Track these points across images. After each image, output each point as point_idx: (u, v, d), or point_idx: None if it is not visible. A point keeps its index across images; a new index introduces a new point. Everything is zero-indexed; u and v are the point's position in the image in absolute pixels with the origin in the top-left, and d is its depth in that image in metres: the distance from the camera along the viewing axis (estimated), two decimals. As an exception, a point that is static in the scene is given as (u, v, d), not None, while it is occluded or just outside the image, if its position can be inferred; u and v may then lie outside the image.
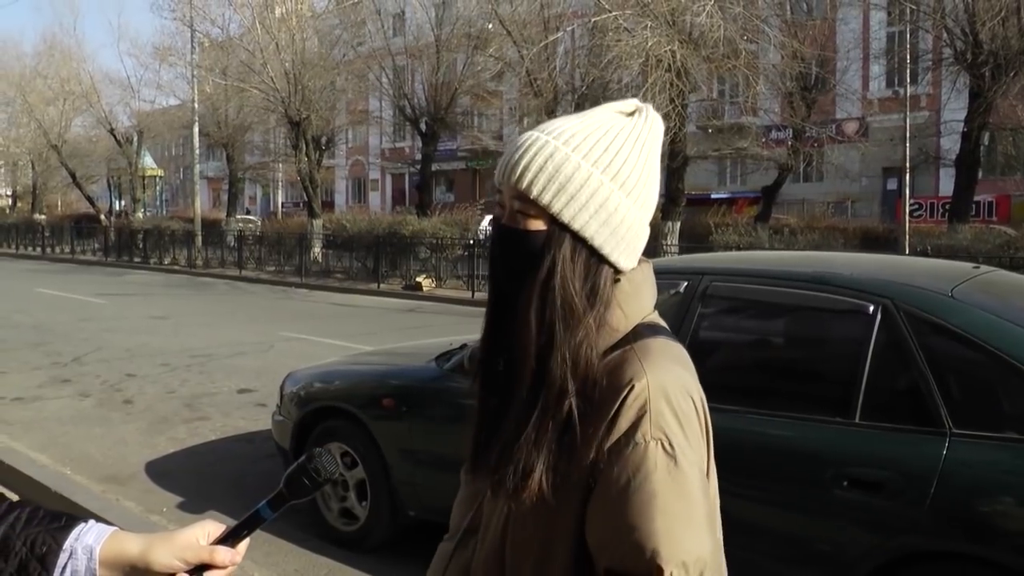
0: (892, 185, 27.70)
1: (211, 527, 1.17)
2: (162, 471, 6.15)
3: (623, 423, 1.18)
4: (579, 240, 1.23)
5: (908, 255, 13.76)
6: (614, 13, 15.50)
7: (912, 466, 3.03)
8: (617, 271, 1.26)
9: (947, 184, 22.22)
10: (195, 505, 5.45)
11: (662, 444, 1.17)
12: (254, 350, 11.28)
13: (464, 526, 1.45)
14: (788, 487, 3.31)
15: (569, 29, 19.93)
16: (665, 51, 14.71)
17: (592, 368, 1.21)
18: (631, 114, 1.29)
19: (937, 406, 3.04)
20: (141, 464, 6.32)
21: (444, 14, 26.65)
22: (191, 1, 27.32)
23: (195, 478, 6.00)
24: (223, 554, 1.14)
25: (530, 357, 1.22)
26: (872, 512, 3.07)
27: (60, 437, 7.05)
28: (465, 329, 9.01)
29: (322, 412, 5.02)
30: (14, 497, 5.12)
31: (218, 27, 28.72)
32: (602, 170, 1.23)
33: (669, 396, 1.19)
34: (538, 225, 1.23)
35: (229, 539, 1.16)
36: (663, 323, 1.33)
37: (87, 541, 1.11)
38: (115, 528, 1.14)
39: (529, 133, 1.28)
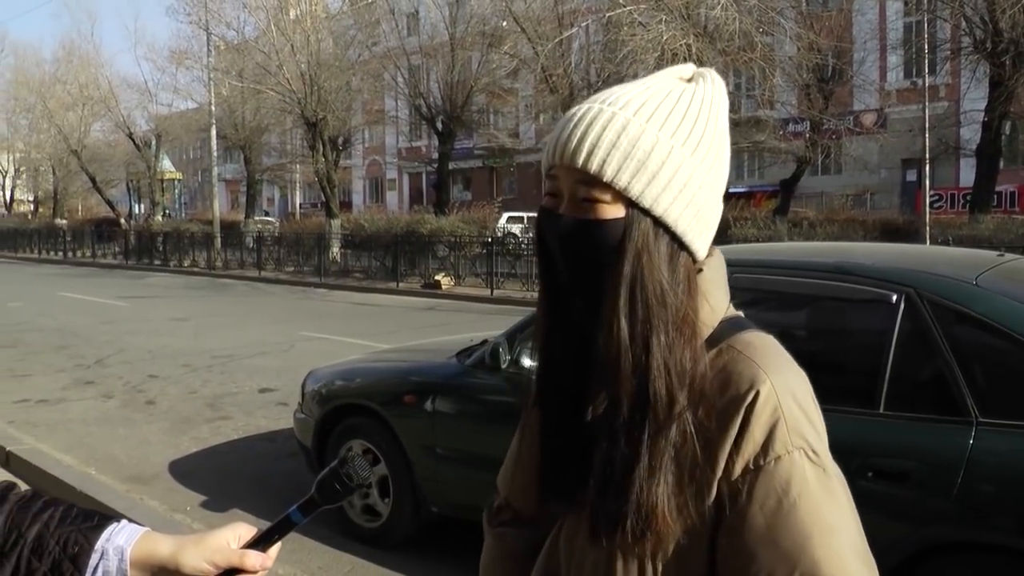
0: (912, 176, 27.47)
1: (242, 530, 1.15)
2: (185, 470, 6.20)
3: (756, 435, 1.03)
4: (660, 225, 1.05)
5: (935, 246, 13.63)
6: (629, 8, 15.46)
7: (938, 456, 2.99)
8: (694, 259, 1.10)
9: (967, 175, 22.00)
10: (218, 504, 5.48)
11: (806, 452, 1.03)
12: (275, 350, 11.33)
13: (540, 573, 1.26)
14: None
15: (584, 25, 19.91)
16: (680, 45, 14.67)
17: (700, 373, 1.05)
18: (690, 80, 1.12)
19: (963, 395, 3.00)
20: (164, 464, 6.37)
21: (458, 12, 26.70)
22: (207, 5, 27.50)
23: (218, 477, 6.04)
24: (253, 558, 1.12)
25: (626, 369, 1.04)
26: (898, 503, 3.05)
27: (85, 438, 7.11)
28: (485, 326, 9.03)
29: (343, 409, 5.04)
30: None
31: (233, 30, 28.93)
32: (682, 143, 1.05)
33: (797, 396, 1.06)
34: (613, 212, 1.05)
35: (260, 543, 1.14)
36: (741, 314, 1.18)
37: (118, 542, 1.11)
38: (146, 529, 1.14)
39: (587, 105, 1.09)
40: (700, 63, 15.40)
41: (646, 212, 1.04)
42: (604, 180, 1.03)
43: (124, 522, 1.14)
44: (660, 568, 1.07)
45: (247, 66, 27.44)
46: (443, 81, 27.12)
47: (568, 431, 1.14)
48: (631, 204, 1.04)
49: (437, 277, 20.18)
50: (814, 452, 1.03)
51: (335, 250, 24.77)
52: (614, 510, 1.05)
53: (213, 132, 29.87)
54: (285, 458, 6.25)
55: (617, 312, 1.03)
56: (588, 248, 1.06)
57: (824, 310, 3.76)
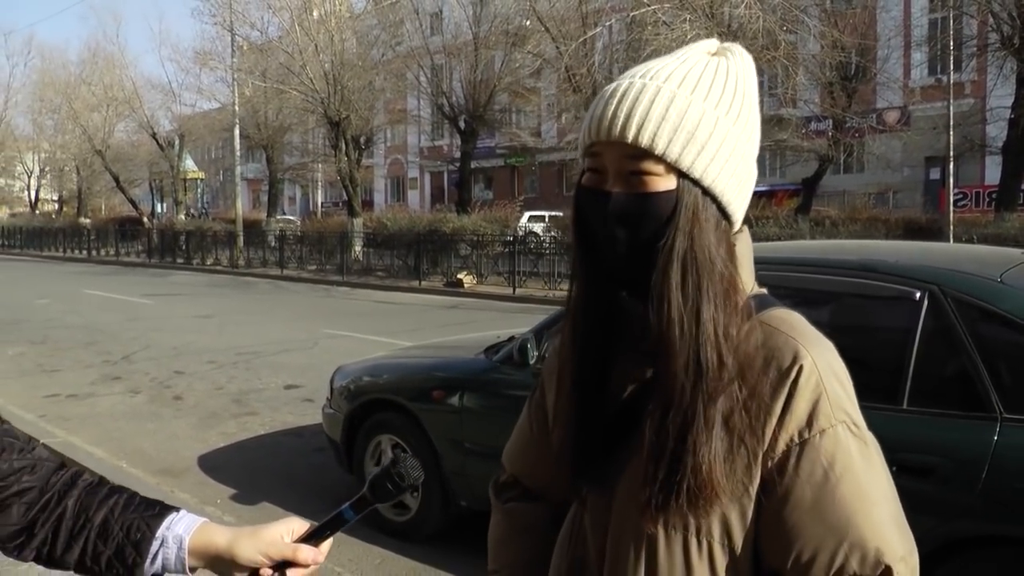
0: (935, 175, 27.22)
1: (296, 524, 1.18)
2: (214, 464, 6.30)
3: (800, 409, 1.05)
4: (707, 195, 1.07)
5: (959, 244, 13.54)
6: (653, 7, 15.46)
7: (962, 451, 3.01)
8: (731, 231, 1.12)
9: (993, 173, 21.80)
10: (248, 497, 5.57)
11: (848, 426, 1.07)
12: (298, 347, 11.44)
13: (566, 561, 1.26)
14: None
15: (607, 24, 19.90)
16: (704, 44, 14.66)
17: (749, 342, 1.07)
18: (715, 54, 1.13)
19: (987, 391, 3.01)
20: (193, 458, 6.47)
21: (482, 12, 26.76)
22: (231, 6, 27.72)
23: (246, 471, 6.13)
24: (306, 552, 1.15)
25: (676, 339, 1.05)
26: (922, 498, 3.05)
27: (114, 432, 7.24)
28: (508, 324, 9.09)
29: (372, 405, 5.11)
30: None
31: (257, 30, 29.15)
32: (725, 114, 1.08)
33: (836, 371, 1.09)
34: (665, 184, 1.06)
35: (312, 538, 1.17)
36: (767, 292, 1.21)
37: (178, 531, 1.16)
38: (205, 520, 1.19)
39: (627, 80, 1.09)
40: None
41: (696, 183, 1.06)
42: (656, 153, 1.04)
43: (183, 512, 1.19)
44: (705, 543, 1.09)
45: (270, 66, 27.64)
46: (466, 80, 27.19)
47: (599, 413, 1.16)
48: (682, 175, 1.06)
49: (459, 276, 20.25)
50: (855, 424, 1.07)
51: (357, 248, 24.90)
52: (669, 476, 1.06)
53: (236, 132, 30.09)
54: (312, 453, 6.34)
55: (670, 283, 1.05)
56: (642, 221, 1.06)
57: (849, 307, 3.78)
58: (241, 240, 28.51)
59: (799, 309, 3.68)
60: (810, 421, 1.05)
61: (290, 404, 8.13)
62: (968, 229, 15.96)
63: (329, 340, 11.99)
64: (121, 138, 42.41)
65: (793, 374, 1.05)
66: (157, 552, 1.15)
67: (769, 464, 1.06)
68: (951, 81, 17.61)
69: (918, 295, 3.29)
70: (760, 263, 3.80)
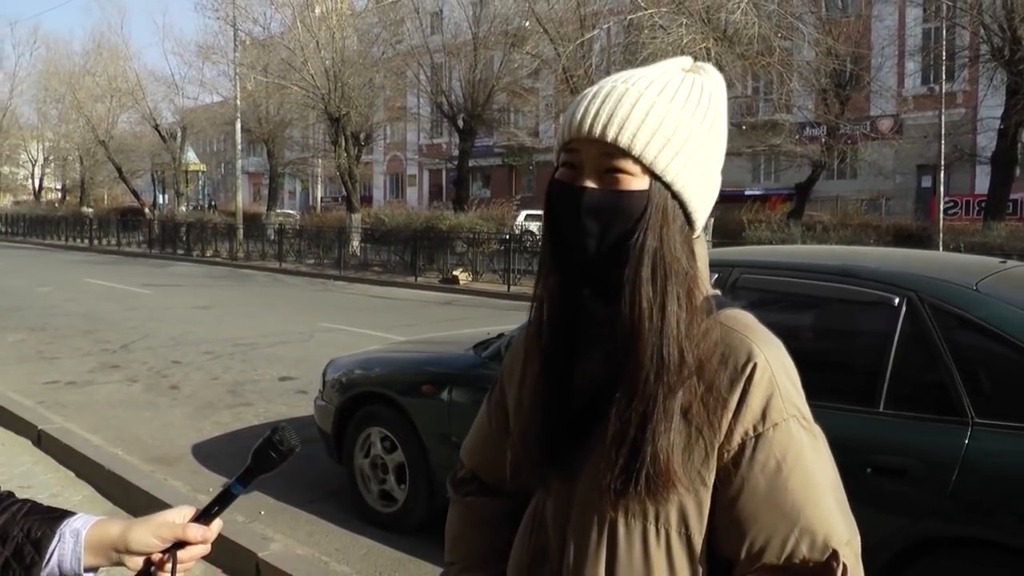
0: (927, 183, 27.34)
1: (186, 511, 1.23)
2: (208, 453, 6.38)
3: (755, 405, 1.11)
4: (676, 198, 1.13)
5: (952, 253, 13.63)
6: (650, 11, 15.54)
7: (934, 454, 3.08)
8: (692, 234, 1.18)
9: (983, 182, 21.93)
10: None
11: (799, 420, 1.12)
12: (295, 340, 11.53)
13: (527, 552, 1.29)
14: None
15: (605, 27, 19.97)
16: (700, 48, 14.73)
17: (707, 339, 1.13)
18: (689, 70, 1.19)
19: (960, 396, 3.09)
20: (188, 446, 6.56)
21: (482, 12, 26.80)
22: (234, 1, 27.76)
23: (239, 460, 6.01)
24: (194, 530, 1.19)
25: (644, 332, 1.10)
26: (895, 498, 3.13)
27: (111, 419, 7.32)
28: (501, 321, 9.16)
29: (362, 398, 5.19)
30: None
31: (260, 26, 29.18)
32: (699, 124, 1.14)
33: (786, 368, 1.15)
34: (638, 184, 1.11)
35: (203, 517, 1.21)
36: (720, 294, 1.26)
37: (75, 526, 1.19)
38: (103, 517, 1.23)
39: (609, 83, 1.15)
40: (719, 66, 15.49)
41: (667, 185, 1.12)
42: (633, 154, 1.10)
43: (81, 513, 1.23)
44: (663, 532, 1.14)
45: (272, 61, 27.66)
46: (465, 80, 27.25)
47: (564, 404, 1.21)
48: (654, 177, 1.11)
49: (455, 272, 20.33)
50: (804, 418, 1.14)
51: (355, 244, 24.98)
52: (629, 464, 1.11)
53: (238, 126, 30.14)
54: (304, 444, 6.34)
55: (641, 278, 1.10)
56: (613, 217, 1.11)
57: (829, 311, 3.87)
58: (241, 233, 28.57)
59: (782, 312, 3.78)
60: (764, 415, 1.11)
61: (284, 395, 8.21)
62: (956, 237, 16.07)
63: (325, 333, 12.07)
64: (124, 129, 42.47)
65: (748, 371, 1.11)
66: (54, 550, 1.17)
67: (725, 456, 1.12)
68: (943, 91, 17.73)
69: (896, 301, 3.36)
70: (745, 267, 3.90)
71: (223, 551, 4.37)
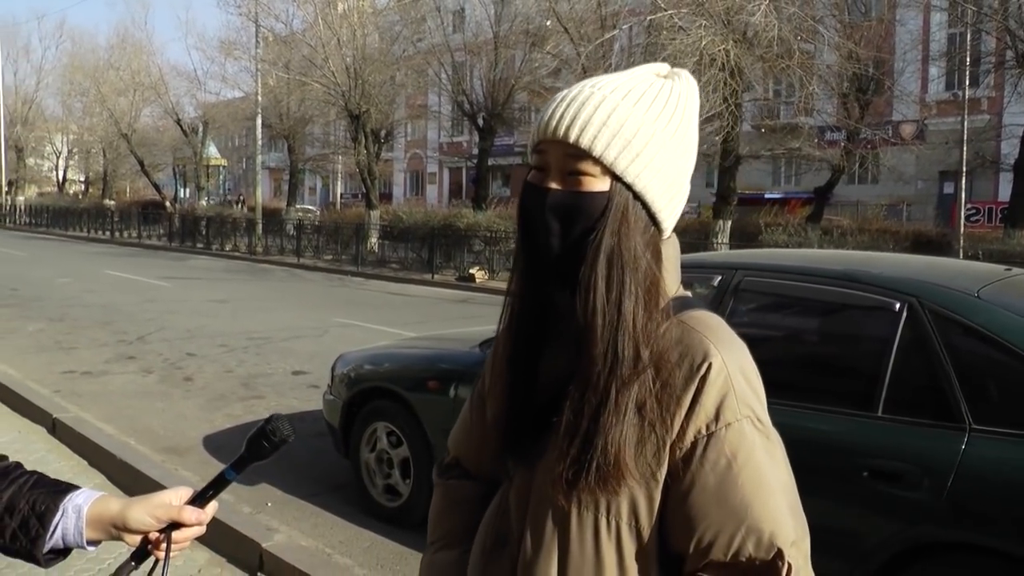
0: (949, 189, 27.09)
1: (183, 492, 1.27)
2: (218, 445, 6.46)
3: (708, 404, 1.13)
4: (638, 199, 1.15)
5: (958, 259, 13.53)
6: (670, 12, 15.50)
7: (931, 459, 3.09)
8: (660, 235, 1.21)
9: (1007, 189, 21.73)
10: (247, 478, 5.67)
11: (752, 420, 1.14)
12: (309, 334, 11.61)
13: (489, 536, 1.34)
14: (809, 476, 3.38)
15: (625, 27, 19.94)
16: (719, 50, 14.69)
17: (664, 337, 1.15)
18: (665, 76, 1.22)
19: (958, 402, 3.09)
20: (199, 438, 6.64)
21: (503, 11, 26.81)
22: (256, -3, 27.94)
23: None
24: (189, 512, 1.24)
25: (598, 329, 1.13)
26: (890, 502, 3.14)
27: (125, 410, 7.42)
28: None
29: (370, 392, 5.24)
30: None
31: (282, 22, 29.31)
32: (663, 128, 1.16)
33: (745, 371, 1.17)
34: (599, 185, 1.14)
35: (197, 500, 1.26)
36: (689, 293, 1.29)
37: (77, 502, 1.24)
38: (103, 493, 1.27)
39: (576, 88, 1.19)
40: (738, 69, 15.51)
41: (627, 186, 1.14)
42: (593, 154, 1.13)
43: (85, 488, 1.28)
44: (614, 524, 1.17)
45: (294, 58, 27.80)
46: (486, 78, 27.27)
47: (529, 394, 1.25)
48: (615, 178, 1.14)
49: (471, 270, 20.38)
50: (759, 420, 1.15)
51: (373, 240, 25.08)
52: (581, 454, 1.14)
53: (258, 121, 30.31)
54: (313, 437, 6.47)
55: (596, 275, 1.13)
56: (575, 218, 1.15)
57: (830, 315, 3.88)
58: (260, 228, 28.75)
59: (784, 315, 3.80)
60: (717, 415, 1.13)
61: (296, 389, 8.29)
62: (975, 244, 15.91)
63: (339, 329, 12.15)
64: (146, 123, 42.84)
65: (703, 371, 1.13)
66: (58, 523, 1.22)
67: (678, 453, 1.14)
68: (966, 97, 17.58)
69: (897, 306, 3.38)
70: (748, 270, 3.92)
71: (228, 541, 4.45)
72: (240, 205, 35.30)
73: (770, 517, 1.11)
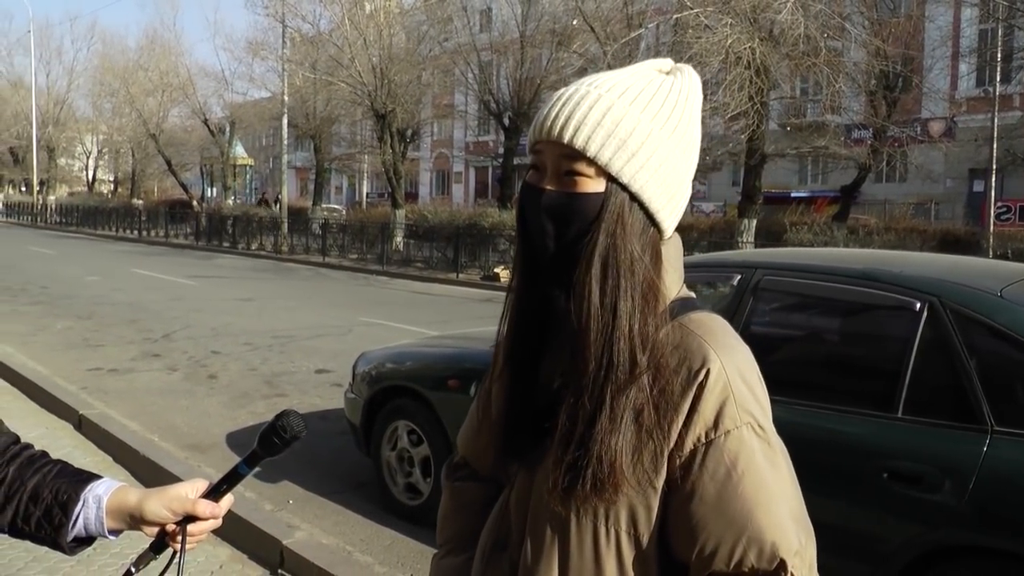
0: (979, 187, 26.70)
1: (199, 484, 1.30)
2: (241, 442, 6.50)
3: (707, 411, 1.10)
4: (635, 200, 1.13)
5: (983, 258, 13.34)
6: (696, 10, 15.43)
7: (952, 461, 3.05)
8: (661, 236, 1.18)
9: (1039, 187, 21.42)
10: (269, 475, 5.74)
11: (752, 427, 1.11)
12: (333, 333, 11.66)
13: (489, 540, 1.33)
14: (829, 477, 3.35)
15: (651, 26, 19.88)
16: (745, 48, 14.60)
17: (662, 341, 1.12)
18: (668, 72, 1.19)
19: (980, 403, 3.05)
20: (222, 435, 6.70)
21: (529, 11, 26.83)
22: (283, -2, 28.14)
23: None
24: (204, 506, 1.26)
25: (593, 332, 1.11)
26: (911, 505, 3.11)
27: (149, 406, 7.50)
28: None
29: (391, 391, 5.25)
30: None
31: (309, 23, 29.50)
32: (660, 127, 1.13)
33: (744, 374, 1.14)
34: (594, 186, 1.12)
35: (213, 494, 1.28)
36: (692, 294, 1.25)
37: (98, 492, 1.27)
38: (123, 483, 1.31)
39: (573, 86, 1.16)
40: (764, 67, 15.40)
41: (623, 187, 1.12)
42: (587, 155, 1.10)
43: (106, 478, 1.32)
44: (613, 532, 1.15)
45: (320, 58, 27.97)
46: (512, 78, 27.30)
47: (528, 395, 1.23)
48: (611, 179, 1.12)
49: (496, 270, 20.40)
50: (760, 427, 1.12)
51: (398, 239, 25.17)
52: (576, 461, 1.11)
53: (285, 121, 30.51)
54: (335, 436, 6.51)
55: (591, 278, 1.11)
56: (569, 219, 1.12)
57: (850, 315, 3.85)
58: (286, 227, 28.94)
59: (804, 314, 3.76)
60: (716, 422, 1.10)
61: (319, 388, 8.34)
62: (1005, 243, 15.66)
63: (363, 327, 12.20)
64: (174, 123, 43.33)
65: (701, 376, 1.11)
66: (79, 513, 1.26)
67: (677, 462, 1.12)
68: (996, 93, 17.34)
69: (918, 306, 3.33)
70: (768, 268, 3.88)
71: (249, 537, 4.48)
72: (276, 204, 35.20)
73: (772, 526, 1.09)
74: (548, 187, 1.15)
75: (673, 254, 1.22)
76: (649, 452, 1.12)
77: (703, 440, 1.11)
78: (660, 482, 1.13)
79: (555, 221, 1.14)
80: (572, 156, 1.12)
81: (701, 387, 1.11)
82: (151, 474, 5.54)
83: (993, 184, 17.82)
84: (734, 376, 1.12)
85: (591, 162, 1.12)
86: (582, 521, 1.16)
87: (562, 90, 1.18)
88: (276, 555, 4.39)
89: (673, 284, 1.21)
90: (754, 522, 1.08)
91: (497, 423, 1.28)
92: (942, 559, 3.11)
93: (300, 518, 5.01)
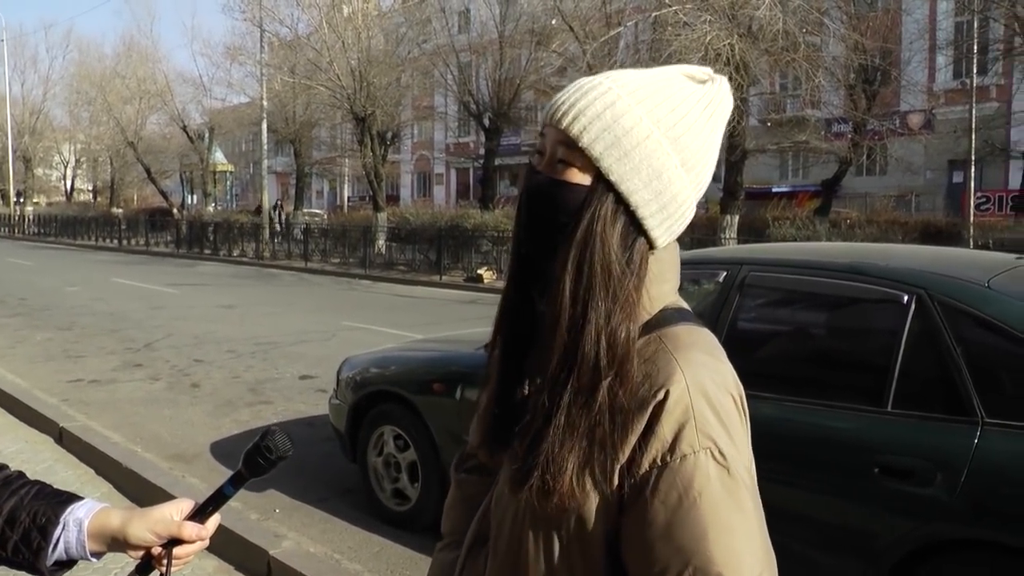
0: (958, 178, 26.89)
1: (184, 504, 1.25)
2: (226, 451, 6.43)
3: (665, 432, 1.05)
4: (621, 203, 1.08)
5: (967, 249, 13.43)
6: (674, 8, 15.45)
7: (943, 454, 3.04)
8: (651, 247, 1.12)
9: (1018, 177, 21.57)
10: (256, 484, 5.60)
11: (712, 453, 1.05)
12: (317, 338, 11.59)
13: (472, 534, 1.31)
14: (820, 473, 3.34)
15: (630, 24, 19.90)
16: (724, 45, 14.63)
17: (630, 348, 1.07)
18: (702, 82, 1.14)
19: (970, 395, 3.04)
20: (206, 444, 6.62)
21: (508, 11, 26.81)
22: (261, 2, 28.00)
23: None
24: (190, 528, 1.22)
25: (562, 328, 1.07)
26: (902, 499, 3.09)
27: (132, 417, 7.40)
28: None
29: (376, 396, 5.21)
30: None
31: (287, 27, 29.35)
32: (664, 131, 1.08)
33: (710, 397, 1.07)
34: (581, 178, 1.08)
35: (198, 515, 1.24)
36: (687, 306, 1.20)
37: (78, 515, 1.22)
38: (105, 505, 1.26)
39: (592, 77, 1.13)
40: (744, 63, 15.45)
41: (612, 187, 1.07)
42: (580, 145, 1.07)
43: (87, 499, 1.27)
44: (564, 539, 1.10)
45: (299, 62, 27.86)
46: (491, 78, 27.27)
47: (512, 390, 1.21)
48: (599, 175, 1.07)
49: (479, 271, 20.38)
50: (720, 453, 1.05)
51: (380, 243, 25.09)
52: (527, 459, 1.08)
53: (264, 126, 30.40)
54: (321, 442, 6.45)
55: (565, 271, 1.07)
56: (549, 206, 1.10)
57: (838, 309, 3.84)
58: (267, 232, 28.80)
59: (791, 309, 3.73)
60: (673, 445, 1.05)
61: (304, 394, 8.27)
62: (985, 233, 15.77)
63: (347, 332, 12.13)
64: (153, 130, 43.02)
65: (661, 396, 1.05)
66: (59, 537, 1.21)
67: (632, 481, 1.06)
68: (973, 85, 17.48)
69: (905, 299, 3.32)
70: (754, 264, 3.85)
71: (235, 548, 4.42)
72: (278, 210, 34.63)
73: (720, 559, 1.02)
74: (540, 169, 1.12)
75: (667, 263, 1.17)
76: (599, 463, 1.06)
77: (658, 462, 1.05)
78: (612, 496, 1.07)
79: (536, 205, 1.12)
80: (566, 144, 1.09)
81: (660, 406, 1.05)
82: (135, 486, 5.47)
83: (972, 175, 17.94)
84: (697, 398, 1.06)
85: (583, 153, 1.08)
86: (538, 524, 1.12)
87: (585, 78, 1.14)
88: (263, 565, 4.33)
89: (662, 295, 1.16)
90: (701, 552, 1.02)
91: (482, 418, 1.27)
92: (935, 553, 3.10)
93: (287, 527, 4.94)
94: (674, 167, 1.09)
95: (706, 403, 1.06)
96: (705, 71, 1.16)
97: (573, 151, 1.08)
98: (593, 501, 1.08)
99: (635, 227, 1.10)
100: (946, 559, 3.09)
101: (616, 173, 1.07)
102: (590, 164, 1.08)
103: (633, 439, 1.06)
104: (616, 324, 1.07)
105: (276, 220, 31.70)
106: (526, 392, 1.20)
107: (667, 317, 1.14)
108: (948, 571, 3.09)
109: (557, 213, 1.09)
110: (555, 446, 1.07)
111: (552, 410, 1.08)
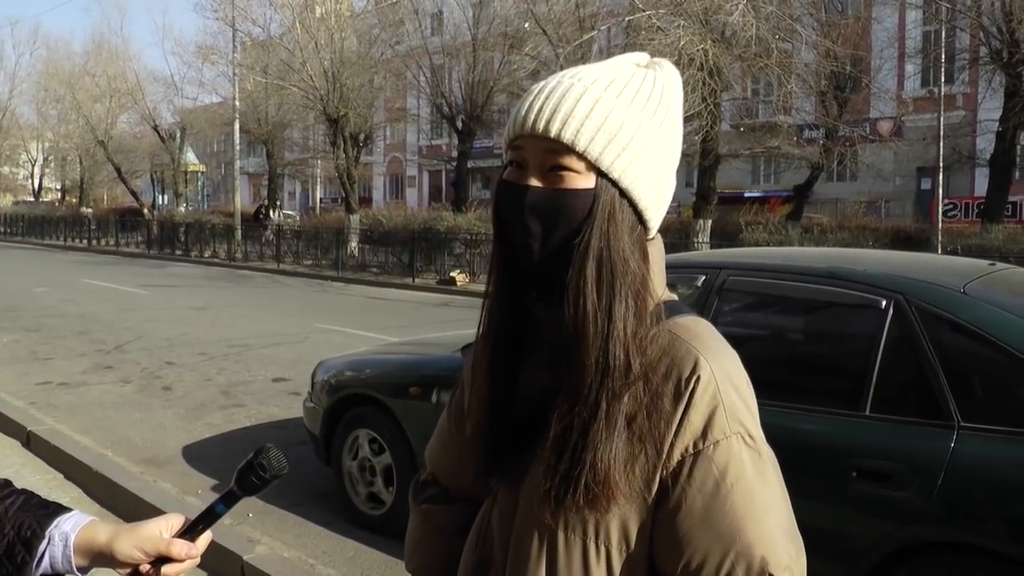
0: (927, 185, 27.27)
1: (174, 520, 1.22)
2: (198, 455, 6.36)
3: (696, 420, 1.06)
4: (624, 196, 1.08)
5: (939, 255, 13.61)
6: (648, 12, 15.52)
7: (920, 458, 3.06)
8: (646, 236, 1.14)
9: (983, 184, 21.92)
10: (227, 487, 5.63)
11: (743, 437, 1.07)
12: (290, 341, 11.51)
13: (471, 563, 1.27)
14: (798, 477, 3.35)
15: (604, 28, 19.97)
16: (697, 50, 14.71)
17: (655, 346, 1.08)
18: (646, 67, 1.15)
19: (946, 399, 3.07)
20: (178, 448, 6.54)
21: (481, 14, 26.81)
22: (234, 2, 27.79)
23: (229, 462, 6.11)
24: (179, 547, 1.19)
25: (591, 334, 1.06)
26: (880, 502, 3.12)
27: (102, 421, 7.30)
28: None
29: (351, 399, 5.17)
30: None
31: (259, 27, 29.17)
32: (648, 120, 1.09)
33: (735, 383, 1.10)
34: (583, 182, 1.07)
35: (188, 533, 1.21)
36: (676, 298, 1.22)
37: (64, 529, 1.19)
38: (92, 518, 1.23)
39: (554, 79, 1.11)
40: (717, 68, 15.56)
41: (614, 183, 1.07)
42: (576, 150, 1.05)
43: (74, 511, 1.23)
44: (603, 548, 1.10)
45: (271, 62, 27.67)
46: (464, 81, 27.25)
47: (508, 408, 1.18)
48: (600, 174, 1.07)
49: (452, 274, 20.33)
50: (750, 436, 1.08)
51: (353, 245, 24.96)
52: (569, 470, 1.06)
53: (236, 126, 30.14)
54: (295, 446, 6.38)
55: (584, 280, 1.06)
56: (557, 217, 1.07)
57: (816, 314, 3.86)
58: (239, 233, 28.56)
59: (770, 314, 3.75)
60: (705, 432, 1.06)
61: (277, 397, 8.19)
62: (954, 239, 16.02)
63: (320, 335, 12.05)
64: (123, 129, 42.54)
65: (691, 384, 1.06)
66: (44, 551, 1.17)
67: (665, 472, 1.07)
68: (941, 93, 17.77)
69: (883, 303, 3.34)
70: (733, 269, 3.87)
71: (208, 554, 4.27)
72: (266, 212, 34.04)
73: (761, 541, 1.04)
74: (533, 183, 1.09)
75: (656, 255, 1.17)
76: (642, 461, 1.07)
77: (691, 451, 1.06)
78: (652, 494, 1.08)
79: (541, 220, 1.08)
80: (559, 150, 1.07)
81: (691, 395, 1.06)
82: (105, 490, 5.38)
83: (941, 182, 18.19)
84: (724, 383, 1.08)
85: (580, 157, 1.06)
86: (570, 537, 1.11)
87: (540, 83, 1.11)
88: (237, 570, 4.28)
89: (658, 286, 1.16)
90: (742, 536, 1.04)
91: (476, 439, 1.22)
92: (913, 556, 3.12)
93: (260, 532, 4.89)
94: (663, 152, 1.11)
95: (732, 387, 1.09)
96: (644, 56, 1.17)
97: (569, 157, 1.07)
98: (635, 502, 1.08)
99: (637, 218, 1.11)
100: (924, 561, 3.12)
101: (618, 169, 1.07)
102: (590, 166, 1.07)
103: (671, 431, 1.07)
104: (639, 323, 1.08)
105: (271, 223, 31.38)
106: (527, 405, 1.17)
107: (670, 308, 1.15)
108: (926, 573, 3.12)
109: (566, 223, 1.08)
110: (600, 448, 1.06)
111: (590, 420, 1.07)
